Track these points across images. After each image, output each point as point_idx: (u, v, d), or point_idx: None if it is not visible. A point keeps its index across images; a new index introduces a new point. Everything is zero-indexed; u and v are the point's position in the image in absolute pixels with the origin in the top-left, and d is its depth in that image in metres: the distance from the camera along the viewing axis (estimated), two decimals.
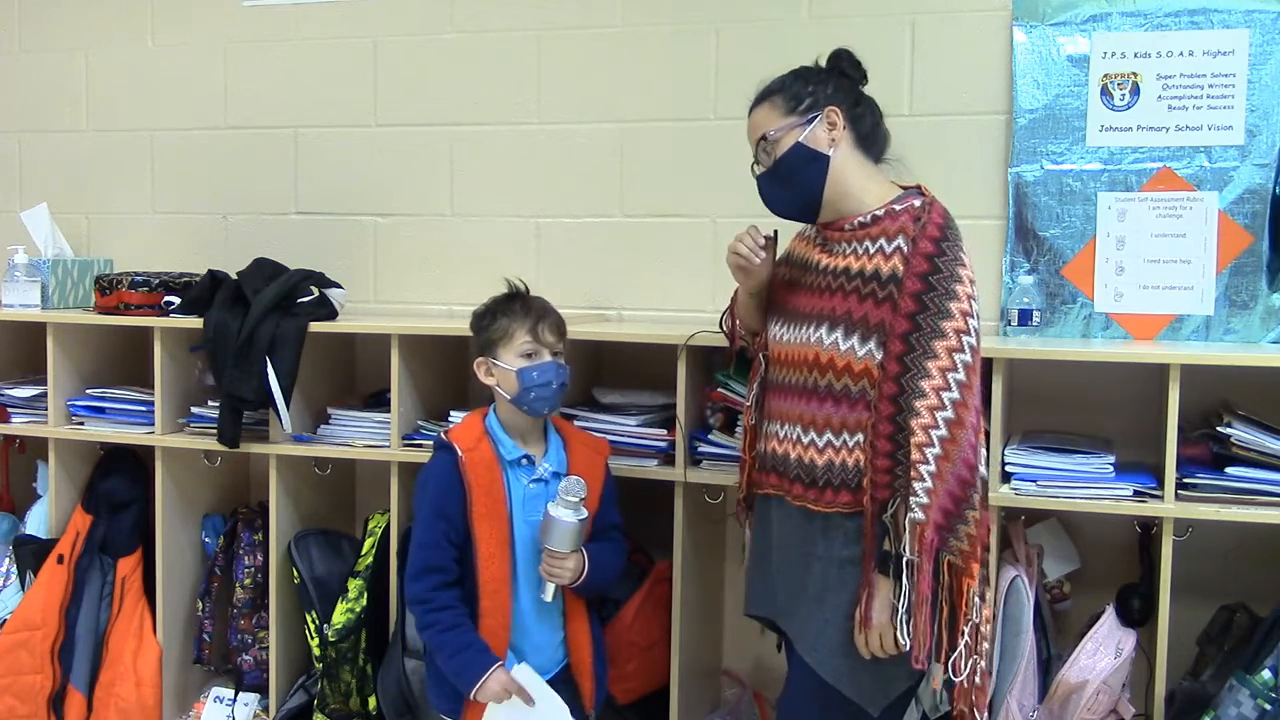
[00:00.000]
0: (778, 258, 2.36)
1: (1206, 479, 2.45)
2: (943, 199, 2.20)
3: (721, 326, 2.58)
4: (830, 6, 3.01)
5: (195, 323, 3.06)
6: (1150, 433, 2.71)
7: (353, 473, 3.41)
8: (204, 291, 3.11)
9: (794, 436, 2.21)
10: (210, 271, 3.16)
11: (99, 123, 3.70)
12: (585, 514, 2.39)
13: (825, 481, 2.15)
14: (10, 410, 3.33)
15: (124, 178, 3.68)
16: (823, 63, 2.27)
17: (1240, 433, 2.45)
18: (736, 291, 2.45)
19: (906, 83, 2.93)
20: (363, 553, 3.03)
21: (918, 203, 2.16)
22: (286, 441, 3.04)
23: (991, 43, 2.90)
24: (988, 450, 2.49)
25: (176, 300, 3.15)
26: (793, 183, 2.21)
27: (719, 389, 2.76)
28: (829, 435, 2.15)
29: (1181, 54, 2.78)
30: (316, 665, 2.99)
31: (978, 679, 2.10)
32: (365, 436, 3.03)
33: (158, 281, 3.19)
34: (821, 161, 2.18)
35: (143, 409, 3.19)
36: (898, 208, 2.16)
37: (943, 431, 2.02)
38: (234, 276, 3.13)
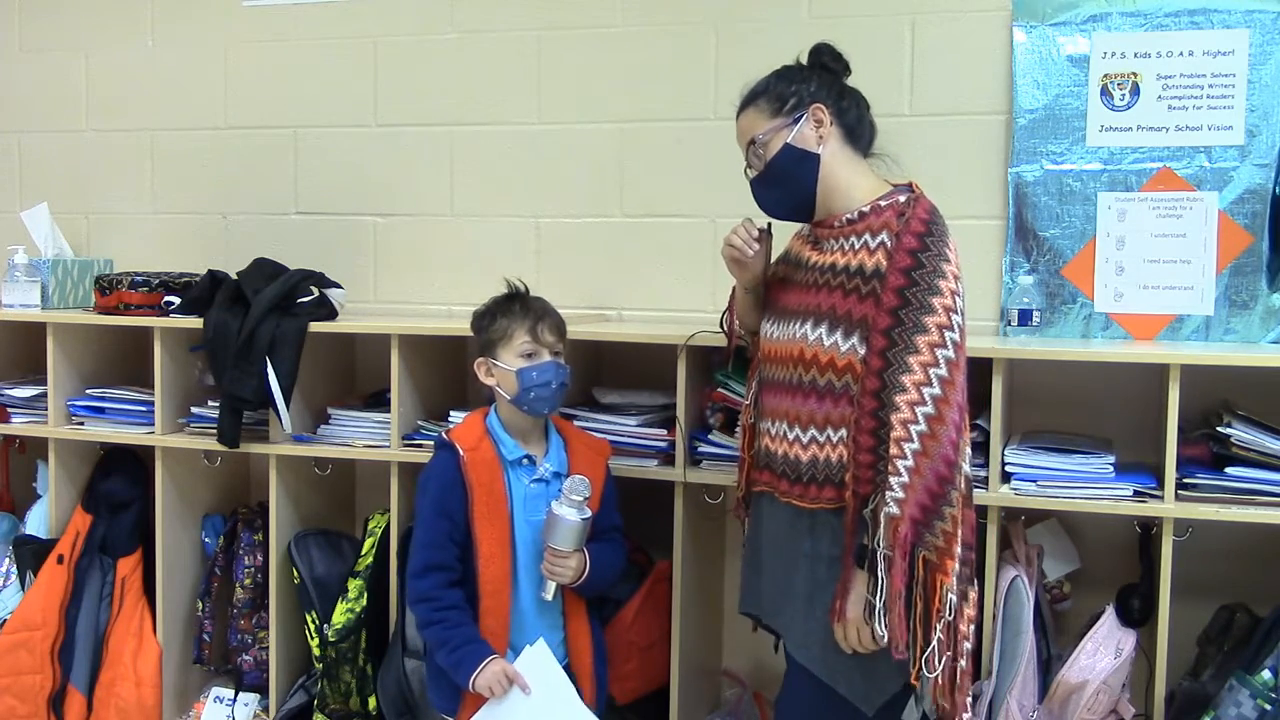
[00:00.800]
0: (776, 256, 2.37)
1: (1206, 479, 2.45)
2: (942, 199, 2.20)
3: (721, 325, 2.58)
4: (830, 6, 3.01)
5: (195, 323, 3.06)
6: (1150, 433, 2.71)
7: (353, 473, 3.41)
8: (204, 291, 3.11)
9: (782, 433, 2.21)
10: (210, 271, 3.16)
11: (99, 123, 3.70)
12: (589, 513, 2.39)
13: (810, 477, 2.16)
14: (10, 410, 3.33)
15: (124, 178, 3.68)
16: (804, 60, 2.27)
17: (1240, 433, 2.45)
18: (733, 297, 2.45)
19: (906, 83, 2.93)
20: (363, 553, 3.03)
21: (903, 198, 2.16)
22: (286, 441, 3.04)
23: (991, 43, 2.90)
24: (988, 450, 2.50)
25: (176, 300, 3.15)
26: (784, 184, 2.22)
27: (719, 389, 2.76)
28: (814, 431, 2.15)
29: (1181, 54, 2.78)
30: (316, 665, 2.99)
31: (958, 677, 2.09)
32: (365, 436, 3.03)
33: (158, 281, 3.20)
34: (811, 160, 2.19)
35: (143, 409, 3.19)
36: (884, 203, 2.17)
37: (922, 427, 2.01)
38: (234, 276, 3.13)
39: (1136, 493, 2.48)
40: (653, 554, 2.92)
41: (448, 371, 3.09)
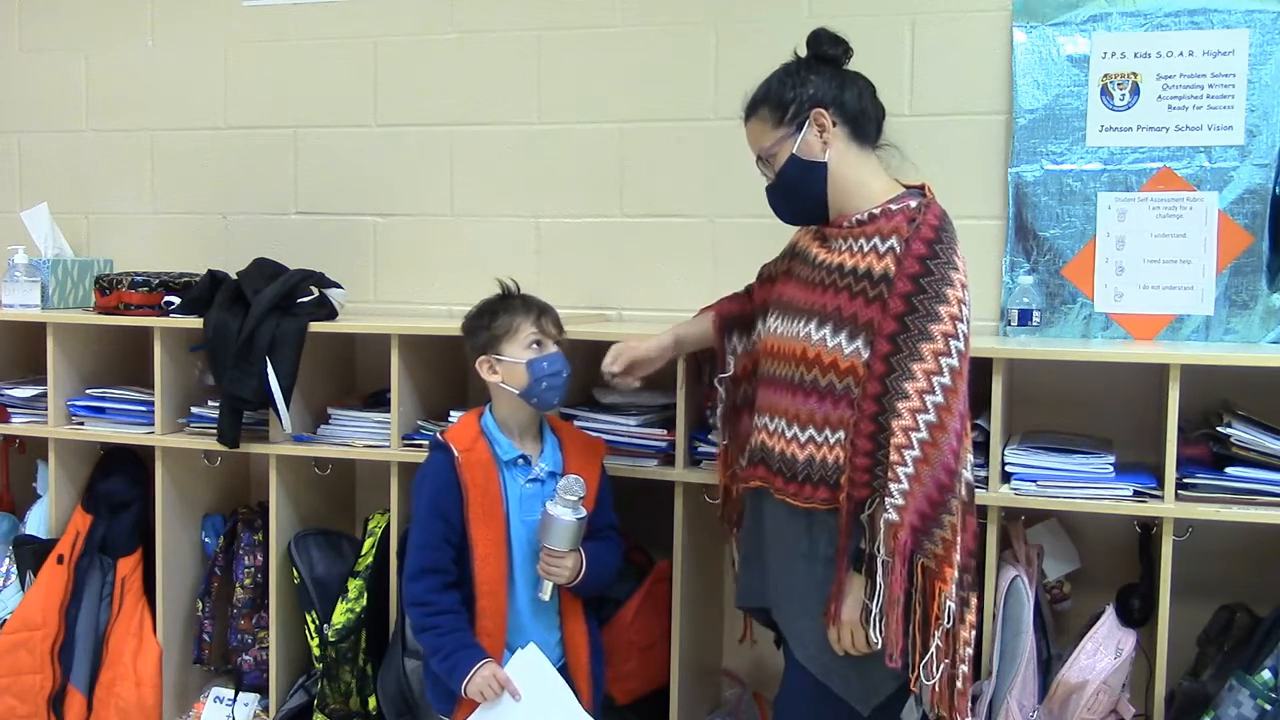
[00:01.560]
0: (786, 249, 2.38)
1: (1206, 479, 2.45)
2: (942, 199, 2.20)
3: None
4: (830, 6, 3.00)
5: (195, 323, 3.06)
6: (1150, 433, 2.71)
7: (353, 473, 3.41)
8: (204, 291, 3.11)
9: (780, 430, 2.21)
10: (210, 271, 3.16)
11: (99, 123, 3.70)
12: (584, 513, 2.39)
13: (805, 476, 2.16)
14: (10, 410, 3.33)
15: (124, 178, 3.68)
16: (802, 50, 2.25)
17: (1240, 433, 2.45)
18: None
19: (906, 83, 2.93)
20: (363, 553, 3.03)
21: (914, 203, 2.16)
22: (286, 441, 3.04)
23: (991, 43, 2.90)
24: (988, 450, 2.50)
25: (176, 300, 3.15)
26: (796, 194, 2.23)
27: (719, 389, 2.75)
28: (811, 430, 2.15)
29: (1181, 54, 2.78)
30: (316, 665, 2.99)
31: (959, 684, 2.09)
32: (365, 436, 3.03)
33: (158, 281, 3.19)
34: (819, 169, 2.19)
35: (143, 409, 3.19)
36: (894, 207, 2.16)
37: (923, 434, 2.01)
38: (234, 276, 3.13)
39: (1136, 493, 2.48)
40: (652, 554, 2.92)
41: (448, 371, 3.09)
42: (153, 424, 3.15)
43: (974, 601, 2.14)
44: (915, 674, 2.06)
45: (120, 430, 3.21)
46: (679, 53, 3.14)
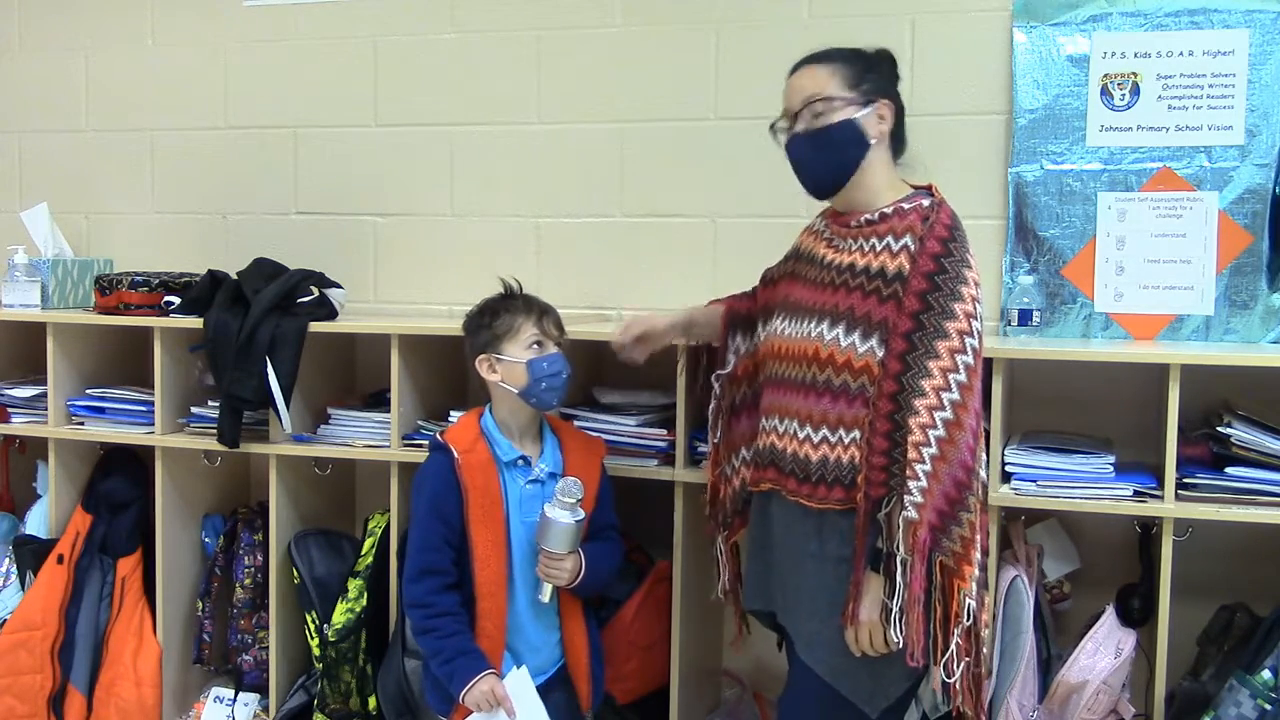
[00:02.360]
0: (789, 252, 2.38)
1: (1206, 479, 2.45)
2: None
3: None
4: (830, 6, 3.01)
5: (195, 323, 3.06)
6: (1150, 433, 2.71)
7: (353, 473, 3.41)
8: (204, 291, 3.11)
9: (792, 431, 2.21)
10: (210, 271, 3.16)
11: (99, 123, 3.70)
12: (582, 515, 2.39)
13: (819, 477, 2.15)
14: (10, 410, 3.33)
15: (124, 178, 3.68)
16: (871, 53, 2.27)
17: (1240, 433, 2.45)
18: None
19: (907, 83, 2.87)
20: (363, 553, 3.03)
21: (926, 202, 2.17)
22: (286, 441, 3.04)
23: (991, 43, 2.90)
24: (988, 450, 2.50)
25: (176, 300, 3.15)
26: (831, 155, 2.19)
27: None
28: (825, 431, 2.15)
29: (1181, 54, 2.78)
30: (316, 665, 2.99)
31: (971, 680, 2.10)
32: (365, 436, 3.03)
33: (158, 281, 3.19)
34: (864, 148, 2.18)
35: (143, 409, 3.19)
36: (906, 206, 2.17)
37: (940, 432, 2.02)
38: (234, 276, 3.13)
39: (1136, 493, 2.48)
40: (652, 554, 2.92)
41: (448, 371, 3.09)
42: (153, 424, 3.15)
43: (987, 600, 2.14)
44: (937, 672, 2.06)
45: (120, 430, 3.21)
46: (679, 53, 3.14)
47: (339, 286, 3.16)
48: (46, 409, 3.24)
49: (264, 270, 3.15)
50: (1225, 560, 2.69)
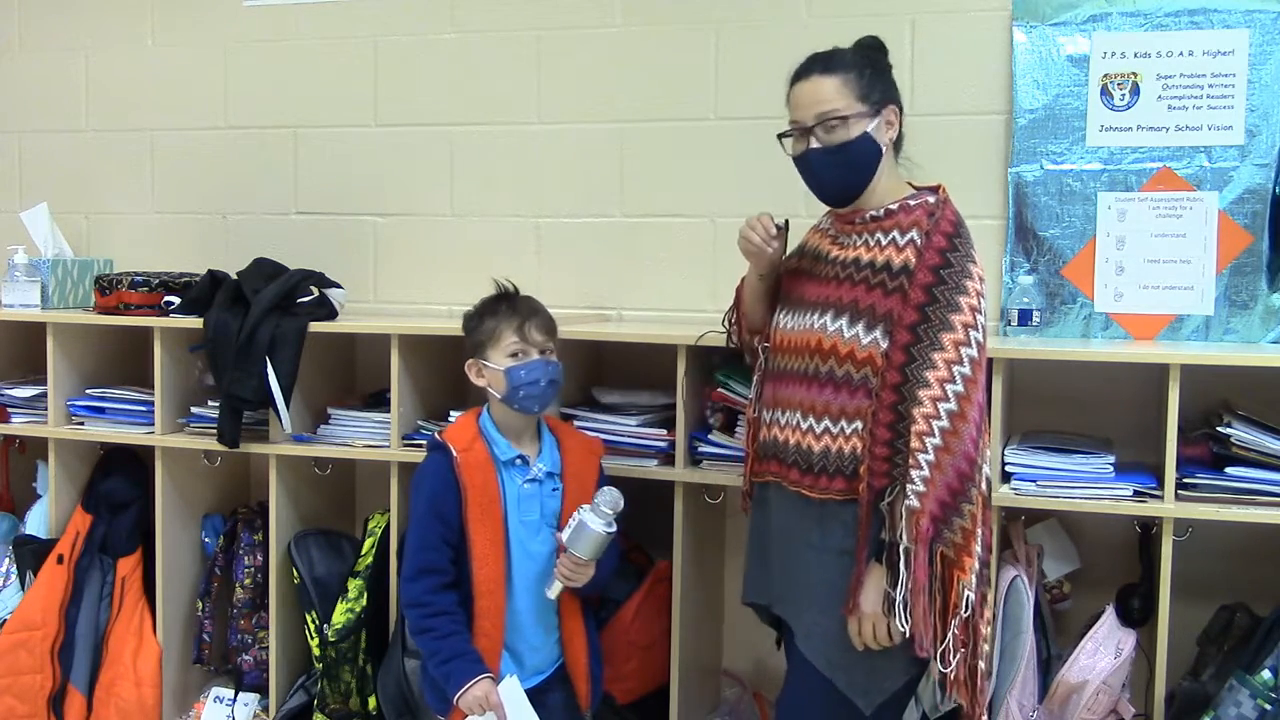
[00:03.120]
0: (794, 250, 2.38)
1: (1206, 479, 2.45)
2: None
3: (725, 324, 2.58)
4: (830, 6, 3.01)
5: (195, 323, 3.06)
6: (1150, 433, 2.71)
7: (353, 473, 3.41)
8: (204, 291, 3.11)
9: (794, 423, 2.21)
10: (210, 271, 3.16)
11: (99, 123, 3.70)
12: (615, 528, 2.38)
13: (820, 468, 2.16)
14: (10, 410, 3.33)
15: (124, 178, 3.68)
16: (858, 49, 2.27)
17: (1240, 433, 2.45)
18: (741, 286, 2.44)
19: (907, 83, 2.90)
20: (363, 553, 3.03)
21: (932, 199, 2.19)
22: (286, 441, 3.04)
23: (991, 43, 2.90)
24: (988, 451, 2.50)
25: (176, 300, 3.15)
26: (852, 169, 2.20)
27: (719, 389, 2.76)
28: (827, 422, 2.15)
29: (1181, 54, 2.78)
30: (316, 665, 2.99)
31: (976, 676, 2.10)
32: (365, 436, 3.03)
33: (158, 281, 3.19)
34: (878, 156, 2.20)
35: (143, 409, 3.19)
36: (912, 202, 2.19)
37: (944, 422, 2.03)
38: (234, 276, 3.13)
39: (1136, 493, 2.48)
40: (653, 554, 2.92)
41: (448, 371, 3.09)
42: (153, 424, 3.15)
43: (990, 597, 2.15)
44: (934, 663, 2.07)
45: (120, 430, 3.21)
46: (679, 53, 3.14)
47: (339, 286, 3.16)
48: (46, 409, 3.24)
49: (264, 270, 3.15)
50: (1225, 560, 2.69)
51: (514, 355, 2.43)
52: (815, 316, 2.19)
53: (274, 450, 3.05)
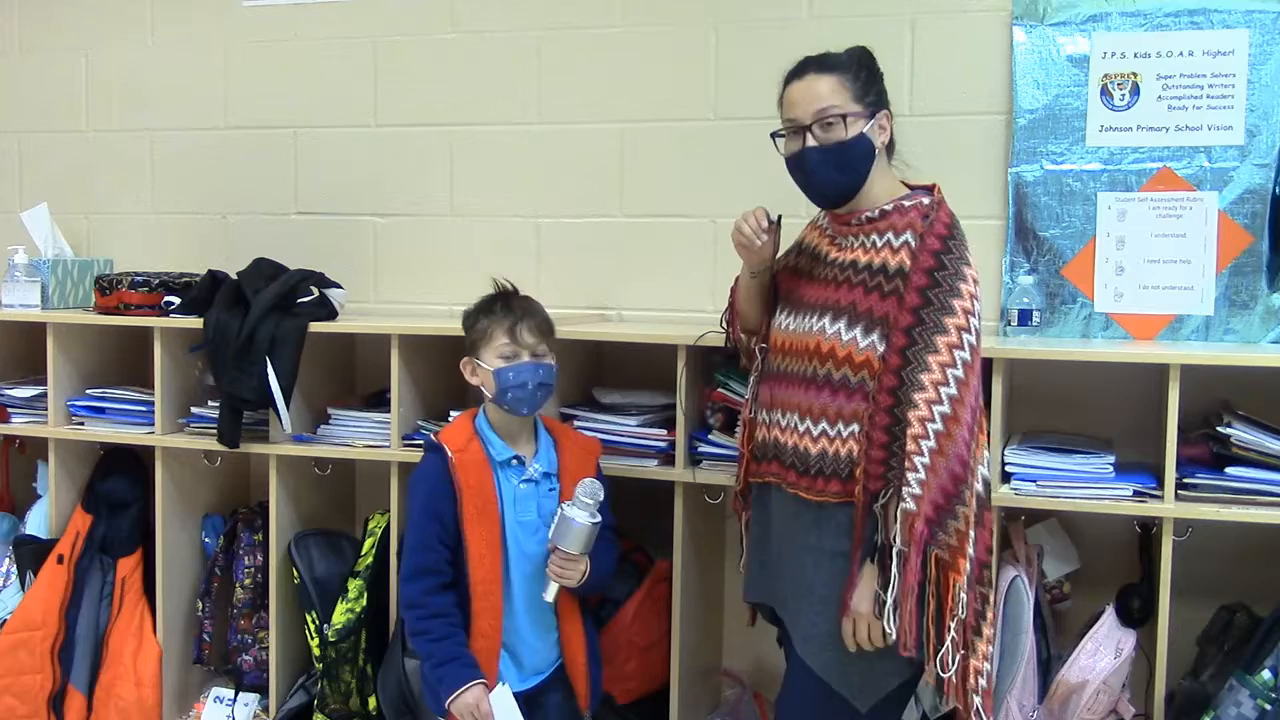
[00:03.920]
0: (789, 245, 2.38)
1: (1206, 479, 2.45)
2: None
3: (722, 323, 2.58)
4: (830, 6, 3.01)
5: (195, 323, 3.06)
6: (1150, 433, 2.71)
7: (353, 473, 3.41)
8: (204, 291, 3.11)
9: (792, 425, 2.22)
10: (210, 271, 3.16)
11: (99, 123, 3.70)
12: (599, 518, 2.38)
13: (818, 470, 2.16)
14: (10, 410, 3.33)
15: (124, 178, 3.68)
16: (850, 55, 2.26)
17: (1240, 433, 2.45)
18: (735, 284, 2.44)
19: (906, 83, 2.93)
20: (363, 553, 3.04)
21: (926, 200, 2.19)
22: (286, 441, 3.04)
23: (991, 43, 2.90)
24: (988, 450, 2.50)
25: (176, 300, 3.15)
26: (848, 169, 2.20)
27: (719, 389, 2.76)
28: (825, 424, 2.16)
29: (1181, 54, 2.78)
30: (316, 665, 2.99)
31: (970, 677, 2.09)
32: (365, 436, 3.03)
33: (158, 281, 3.20)
34: (873, 159, 2.20)
35: (143, 409, 3.19)
36: (907, 204, 2.19)
37: (938, 425, 2.03)
38: (234, 276, 3.13)
39: (1136, 493, 2.48)
40: (653, 554, 2.92)
41: (448, 371, 3.08)
42: (153, 424, 3.15)
43: (993, 598, 2.15)
44: (931, 666, 2.06)
45: (120, 430, 3.21)
46: (679, 53, 3.14)
47: (339, 286, 3.16)
48: (46, 409, 3.24)
49: (264, 270, 3.15)
50: (1225, 560, 2.69)
51: (505, 358, 2.43)
52: (814, 319, 2.20)
53: (274, 450, 3.05)
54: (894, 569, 2.05)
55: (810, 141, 2.19)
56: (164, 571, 3.21)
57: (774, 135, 2.26)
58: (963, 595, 2.06)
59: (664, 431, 2.79)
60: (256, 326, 2.96)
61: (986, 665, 2.12)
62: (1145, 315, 2.82)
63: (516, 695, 2.39)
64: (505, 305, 2.49)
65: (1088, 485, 2.50)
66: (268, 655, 3.14)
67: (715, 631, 3.09)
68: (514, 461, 2.47)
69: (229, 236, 3.57)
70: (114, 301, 3.19)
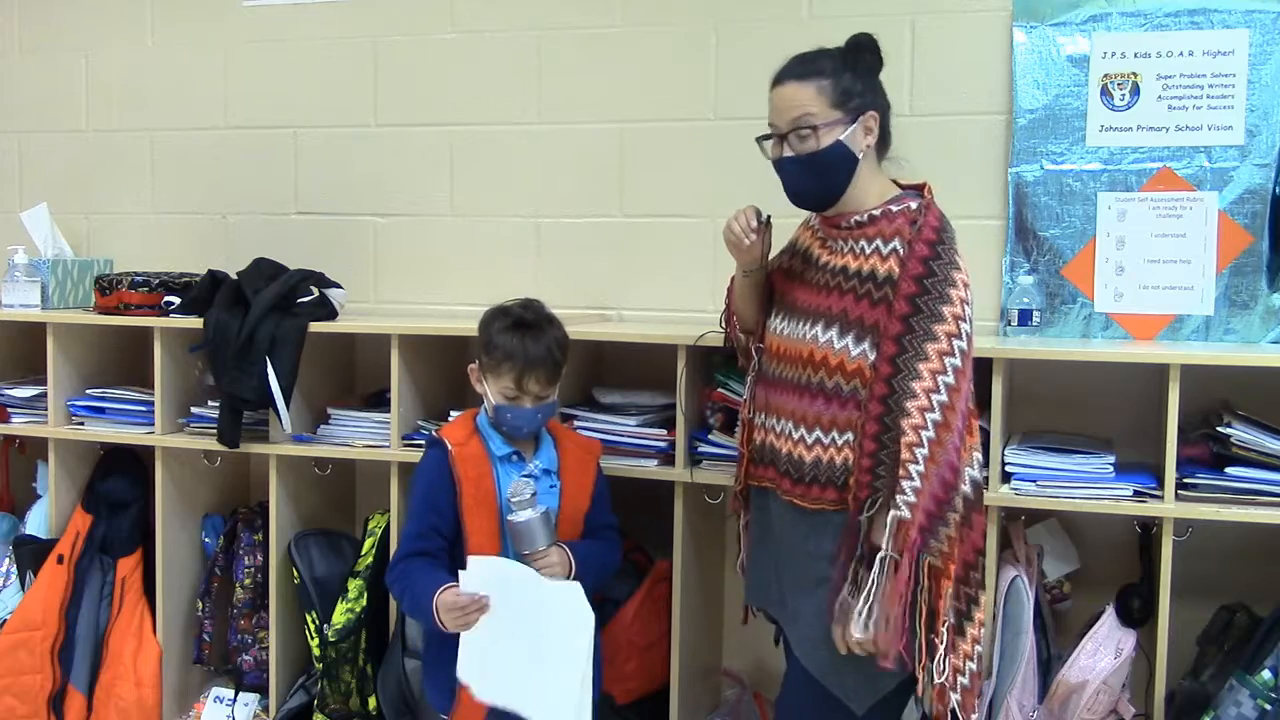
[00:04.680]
0: (783, 245, 2.37)
1: (1206, 479, 2.45)
2: (942, 199, 2.20)
3: (722, 324, 2.58)
4: (830, 6, 3.01)
5: (195, 323, 3.06)
6: (1150, 433, 2.71)
7: (353, 473, 3.41)
8: (204, 291, 3.12)
9: (787, 431, 2.21)
10: (210, 271, 3.17)
11: (99, 123, 3.70)
12: (544, 506, 2.37)
13: (812, 478, 2.16)
14: (10, 410, 3.33)
15: (124, 178, 3.68)
16: (846, 49, 2.24)
17: (1240, 433, 2.45)
18: (732, 283, 2.44)
19: (906, 83, 2.93)
20: (363, 553, 3.04)
21: (914, 205, 2.17)
22: (286, 441, 3.05)
23: (991, 43, 2.90)
24: (987, 450, 2.50)
25: (176, 300, 3.15)
26: (823, 178, 2.19)
27: (719, 389, 2.76)
28: (819, 433, 2.16)
29: (1181, 54, 2.78)
30: (316, 665, 2.99)
31: (964, 681, 2.09)
32: (365, 436, 3.03)
33: (158, 281, 3.20)
34: (853, 163, 2.18)
35: (143, 409, 3.19)
36: (894, 209, 2.17)
37: (930, 433, 2.02)
38: (234, 276, 3.13)
39: (1136, 493, 2.48)
40: (653, 554, 2.92)
41: (448, 371, 3.09)
42: (153, 424, 3.15)
43: (983, 599, 2.14)
44: (922, 673, 2.06)
45: (120, 430, 3.21)
46: (679, 53, 3.14)
47: (339, 286, 3.16)
48: (46, 409, 3.24)
49: (264, 270, 3.15)
50: (1225, 560, 2.69)
51: (508, 398, 2.43)
52: (807, 326, 2.19)
53: (274, 450, 3.05)
54: (875, 574, 2.04)
55: (787, 151, 2.19)
56: (164, 571, 3.21)
57: (759, 140, 2.25)
58: (953, 603, 2.06)
59: (664, 431, 2.79)
60: (256, 326, 2.96)
61: (970, 665, 2.11)
62: (1145, 315, 2.82)
63: None
64: (522, 343, 2.42)
65: (1088, 485, 2.50)
66: (268, 655, 3.14)
67: (715, 631, 3.10)
68: (514, 457, 2.47)
69: (229, 236, 3.57)
70: (114, 301, 3.19)
